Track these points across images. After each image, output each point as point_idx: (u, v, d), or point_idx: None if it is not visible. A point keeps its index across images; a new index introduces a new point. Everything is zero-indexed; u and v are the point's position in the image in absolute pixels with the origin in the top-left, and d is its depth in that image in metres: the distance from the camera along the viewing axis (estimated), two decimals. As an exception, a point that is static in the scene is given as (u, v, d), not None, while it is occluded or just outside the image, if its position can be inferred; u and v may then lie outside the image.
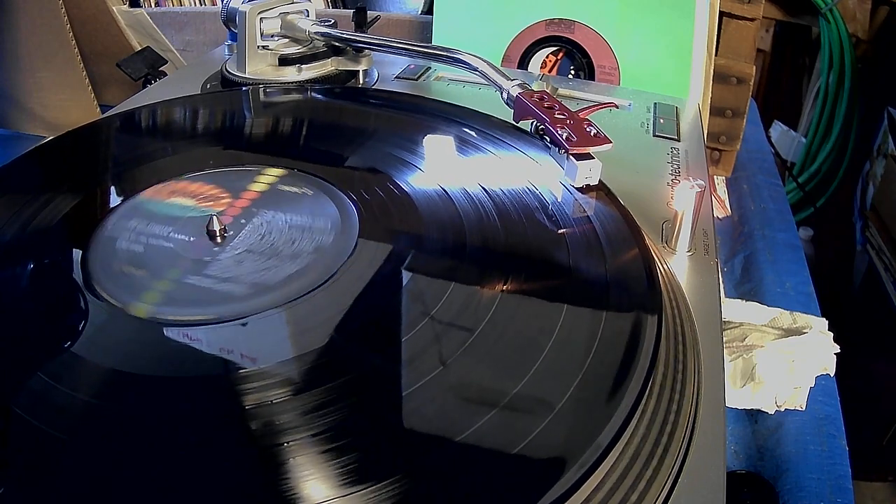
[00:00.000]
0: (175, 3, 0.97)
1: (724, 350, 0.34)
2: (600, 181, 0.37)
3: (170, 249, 0.33)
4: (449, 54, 0.47)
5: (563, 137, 0.38)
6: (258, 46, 0.53)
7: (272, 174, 0.39)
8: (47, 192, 0.37)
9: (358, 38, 0.52)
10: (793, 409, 0.41)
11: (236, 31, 0.53)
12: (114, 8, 0.71)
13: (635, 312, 0.29)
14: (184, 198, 0.37)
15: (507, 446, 0.23)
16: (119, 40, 0.71)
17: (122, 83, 0.71)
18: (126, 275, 0.31)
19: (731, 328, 0.43)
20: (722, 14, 0.64)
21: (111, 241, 0.33)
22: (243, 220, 0.35)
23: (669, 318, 0.30)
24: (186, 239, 0.34)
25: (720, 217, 0.69)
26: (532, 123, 0.42)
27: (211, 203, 0.36)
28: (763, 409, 0.41)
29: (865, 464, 0.91)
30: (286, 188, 0.38)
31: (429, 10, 0.74)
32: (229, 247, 0.33)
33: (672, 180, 0.43)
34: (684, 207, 0.36)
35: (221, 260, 0.32)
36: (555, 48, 0.62)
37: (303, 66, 0.53)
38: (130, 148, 0.43)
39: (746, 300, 0.45)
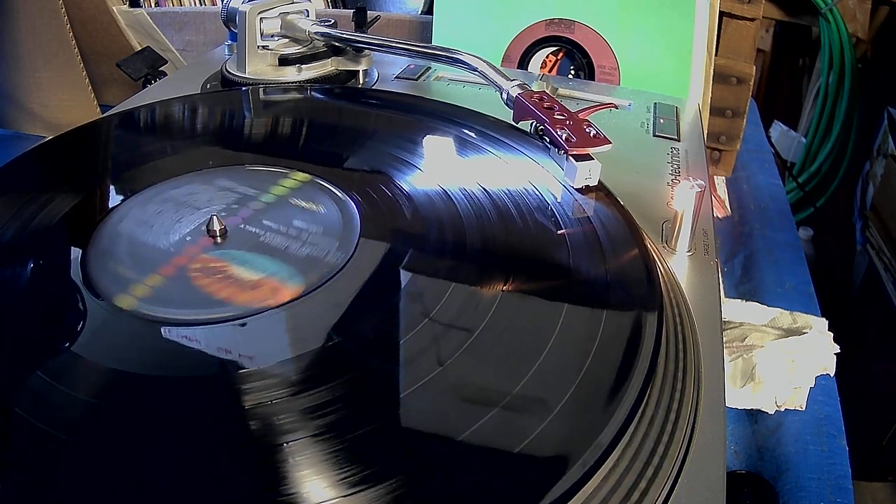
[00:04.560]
0: (175, 3, 0.97)
1: (724, 350, 0.34)
2: (600, 181, 0.37)
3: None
4: (449, 54, 0.47)
5: (563, 138, 0.38)
6: (258, 46, 0.53)
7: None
8: (47, 192, 0.37)
9: (358, 38, 0.52)
10: (793, 409, 0.41)
11: (236, 31, 0.53)
12: (114, 8, 0.71)
13: (635, 312, 0.29)
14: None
15: (507, 446, 0.23)
16: (119, 40, 0.71)
17: (122, 83, 0.71)
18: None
19: (731, 328, 0.43)
20: (722, 14, 0.64)
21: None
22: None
23: (669, 319, 0.30)
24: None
25: (720, 217, 0.69)
26: (531, 124, 0.42)
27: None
28: (763, 409, 0.41)
29: (865, 464, 0.91)
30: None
31: (429, 10, 0.74)
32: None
33: (672, 180, 0.43)
34: (684, 207, 0.36)
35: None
36: (555, 48, 0.62)
37: (303, 66, 0.53)
38: (130, 147, 0.43)
39: (746, 300, 0.45)
